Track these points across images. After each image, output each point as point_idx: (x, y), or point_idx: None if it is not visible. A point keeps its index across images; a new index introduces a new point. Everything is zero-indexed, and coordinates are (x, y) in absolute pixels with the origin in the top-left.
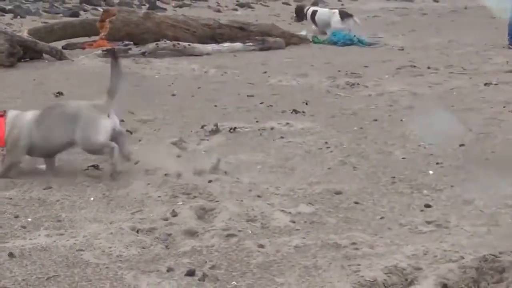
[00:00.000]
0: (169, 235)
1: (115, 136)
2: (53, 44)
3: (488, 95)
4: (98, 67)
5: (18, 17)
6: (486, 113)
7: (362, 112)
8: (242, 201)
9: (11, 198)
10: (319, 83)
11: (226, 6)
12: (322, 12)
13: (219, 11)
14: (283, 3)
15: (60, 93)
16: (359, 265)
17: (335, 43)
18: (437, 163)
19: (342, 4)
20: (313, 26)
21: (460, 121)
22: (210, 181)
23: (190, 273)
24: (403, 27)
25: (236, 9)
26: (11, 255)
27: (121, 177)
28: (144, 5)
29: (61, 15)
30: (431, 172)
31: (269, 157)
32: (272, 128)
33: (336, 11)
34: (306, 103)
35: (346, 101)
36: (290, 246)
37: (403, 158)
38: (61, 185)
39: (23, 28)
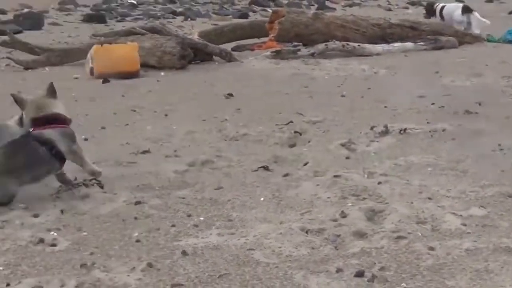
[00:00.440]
0: (338, 236)
1: None
2: (223, 46)
3: None
4: (266, 68)
5: (189, 19)
6: None
7: None
8: (412, 203)
9: (184, 198)
10: (494, 83)
11: (396, 5)
12: (449, 6)
13: (389, 9)
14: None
15: (230, 95)
16: None
17: (511, 42)
18: None
19: None
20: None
21: None
22: (379, 183)
23: (359, 274)
24: None
25: (407, 7)
26: (184, 253)
27: (289, 178)
28: (313, 5)
29: (230, 16)
30: None
31: (440, 159)
32: (443, 130)
33: (461, 5)
34: (480, 104)
35: None
36: (461, 249)
37: None
38: (232, 185)
39: (193, 30)
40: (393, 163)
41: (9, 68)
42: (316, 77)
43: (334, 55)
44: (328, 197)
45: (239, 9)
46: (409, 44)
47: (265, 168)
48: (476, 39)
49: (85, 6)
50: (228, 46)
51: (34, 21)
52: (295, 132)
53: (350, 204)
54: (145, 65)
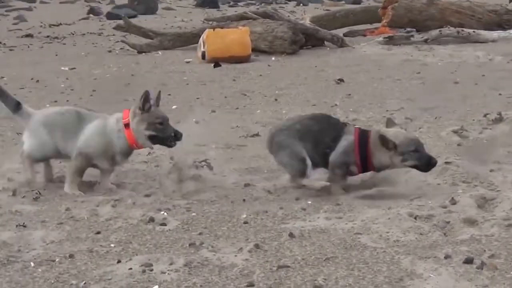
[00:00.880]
0: (448, 222)
1: None
2: (335, 31)
3: None
4: (378, 54)
5: (301, 4)
6: None
7: None
8: None
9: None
10: None
11: None
12: None
13: None
14: None
15: (341, 80)
16: None
17: None
18: None
19: None
20: None
21: None
22: (491, 170)
23: (468, 261)
24: None
25: None
26: (291, 235)
27: None
28: None
29: (343, 2)
30: None
31: None
32: None
33: None
34: None
35: None
36: None
37: None
38: None
39: (305, 15)
40: (507, 150)
41: (123, 52)
42: (429, 63)
43: (448, 41)
44: (438, 184)
45: None
46: None
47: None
48: None
49: None
50: (340, 32)
51: (148, 5)
52: (406, 118)
53: (460, 191)
54: (256, 50)
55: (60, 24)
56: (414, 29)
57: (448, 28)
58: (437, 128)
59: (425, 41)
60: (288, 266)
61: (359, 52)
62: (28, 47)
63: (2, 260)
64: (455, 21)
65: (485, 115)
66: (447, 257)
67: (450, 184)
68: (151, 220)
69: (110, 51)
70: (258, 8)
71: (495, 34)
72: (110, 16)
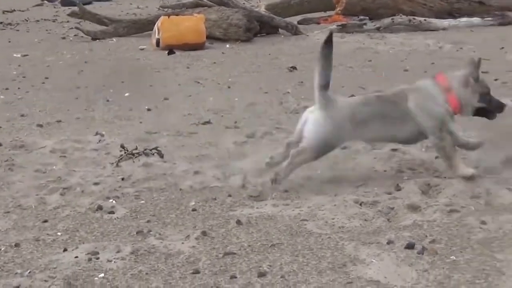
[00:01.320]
0: (392, 208)
1: None
2: (289, 19)
3: None
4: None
5: None
6: None
7: None
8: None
9: (241, 168)
10: None
11: None
12: None
13: None
14: None
15: (293, 68)
16: None
17: None
18: None
19: None
20: None
21: None
22: (437, 157)
23: (410, 246)
24: None
25: None
26: (238, 222)
27: (347, 151)
28: None
29: None
30: None
31: (497, 135)
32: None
33: None
34: None
35: None
36: None
37: None
38: None
39: (260, 3)
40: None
41: (77, 39)
42: (381, 51)
43: (400, 30)
44: (385, 170)
45: None
46: (476, 20)
47: None
48: None
49: None
50: (294, 20)
51: None
52: None
53: (406, 178)
54: (211, 37)
55: (14, 10)
56: (367, 17)
57: (400, 16)
58: None
59: (378, 29)
60: (234, 253)
61: (312, 40)
62: None
63: None
64: (407, 10)
65: None
66: (389, 242)
67: (396, 171)
68: (99, 208)
69: (64, 38)
70: None
71: (445, 22)
72: (65, 2)
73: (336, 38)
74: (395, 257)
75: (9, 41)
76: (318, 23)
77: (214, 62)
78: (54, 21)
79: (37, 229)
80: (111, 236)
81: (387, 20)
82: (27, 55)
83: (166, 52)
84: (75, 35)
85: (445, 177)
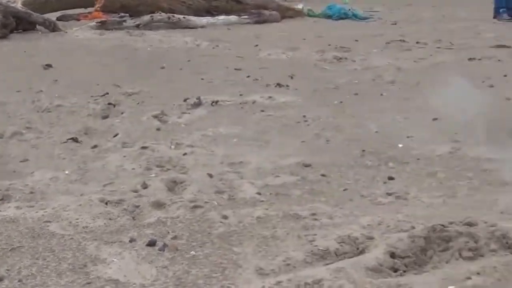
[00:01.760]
0: (137, 206)
1: None
2: (48, 15)
3: (470, 70)
4: (90, 39)
5: None
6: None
7: (345, 86)
8: (212, 173)
9: None
10: (308, 56)
11: None
12: None
13: None
14: None
15: (49, 65)
16: (315, 235)
17: (330, 17)
18: (408, 137)
19: None
20: None
21: (437, 96)
22: (185, 154)
23: (151, 243)
24: (400, 1)
25: None
26: None
27: (97, 150)
28: None
29: None
30: (400, 145)
31: (247, 130)
32: (254, 102)
33: None
34: (292, 77)
35: (331, 75)
36: (252, 217)
37: (376, 131)
38: (38, 157)
39: None
40: (201, 134)
41: None
42: (139, 48)
43: (160, 27)
44: (133, 168)
45: None
46: (233, 18)
47: (74, 139)
48: (298, 13)
49: None
50: (53, 16)
51: None
52: (109, 103)
53: (153, 175)
54: None
55: None
56: (127, 14)
57: (160, 13)
58: (139, 113)
59: (137, 26)
60: None
61: (71, 36)
62: None
63: None
64: (166, 7)
65: (185, 100)
66: (131, 240)
67: (144, 169)
68: None
69: None
70: None
71: (204, 20)
72: None
73: (95, 35)
74: (136, 255)
75: None
76: (78, 20)
77: None
78: None
79: None
80: None
81: (146, 17)
82: None
83: None
84: None
85: (189, 174)
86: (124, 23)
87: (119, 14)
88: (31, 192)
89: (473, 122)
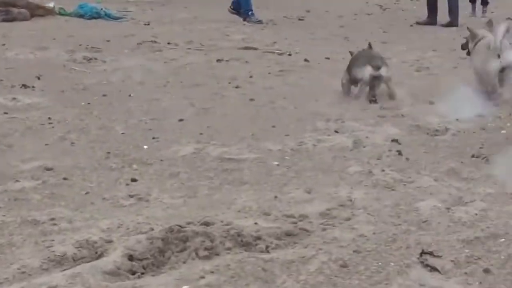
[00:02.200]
0: None
1: None
2: None
3: (217, 71)
4: None
5: None
6: (211, 89)
7: (94, 87)
8: None
9: None
10: (57, 57)
11: None
12: None
13: None
14: None
15: None
16: (53, 240)
17: (82, 16)
18: (153, 138)
19: None
20: None
21: (184, 97)
22: None
23: None
24: (153, 1)
25: None
26: None
27: None
28: None
29: None
30: (145, 146)
31: None
32: None
33: None
34: (39, 78)
35: (80, 76)
36: None
37: (122, 133)
38: None
39: None
40: None
41: None
42: None
43: None
44: None
45: None
46: None
47: None
48: (49, 12)
49: None
50: None
51: None
52: None
53: None
54: None
55: None
56: None
57: None
58: None
59: None
60: None
61: None
62: None
63: None
64: None
65: None
66: None
67: None
68: None
69: None
70: None
71: None
72: None
73: None
74: None
75: None
76: None
77: None
78: None
79: None
80: None
81: None
82: None
83: None
84: None
85: None
86: None
87: None
88: None
89: (217, 123)
